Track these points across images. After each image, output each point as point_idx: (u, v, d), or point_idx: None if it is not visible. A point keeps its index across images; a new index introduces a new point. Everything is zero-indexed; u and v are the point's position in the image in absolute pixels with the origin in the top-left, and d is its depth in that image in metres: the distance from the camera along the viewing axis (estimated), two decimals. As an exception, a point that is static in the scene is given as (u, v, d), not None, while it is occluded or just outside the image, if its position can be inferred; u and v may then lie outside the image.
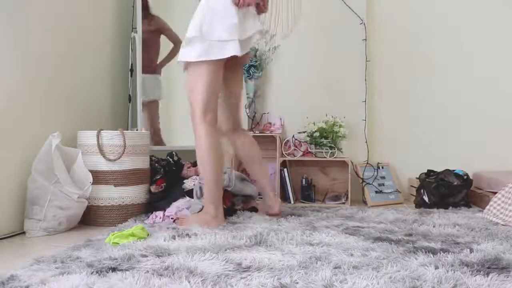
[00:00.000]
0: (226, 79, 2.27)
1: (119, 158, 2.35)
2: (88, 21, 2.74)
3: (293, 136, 3.20)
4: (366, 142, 3.23)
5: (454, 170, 2.86)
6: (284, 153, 3.10)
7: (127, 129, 3.04)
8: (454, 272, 1.35)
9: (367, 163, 3.20)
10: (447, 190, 2.73)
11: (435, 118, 3.27)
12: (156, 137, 3.16)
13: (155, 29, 3.19)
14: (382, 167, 3.20)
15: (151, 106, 3.19)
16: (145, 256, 1.57)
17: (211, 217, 2.14)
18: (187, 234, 1.89)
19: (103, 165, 2.34)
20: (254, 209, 2.50)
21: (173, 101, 3.28)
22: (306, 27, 3.31)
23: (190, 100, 2.18)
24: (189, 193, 2.50)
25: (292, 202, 3.01)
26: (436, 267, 1.41)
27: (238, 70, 2.37)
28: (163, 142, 3.17)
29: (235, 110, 2.42)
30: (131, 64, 3.10)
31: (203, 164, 2.15)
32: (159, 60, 3.24)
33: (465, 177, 2.82)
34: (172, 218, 2.25)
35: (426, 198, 2.76)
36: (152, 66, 3.19)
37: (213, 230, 2.01)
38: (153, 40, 3.20)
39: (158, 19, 3.24)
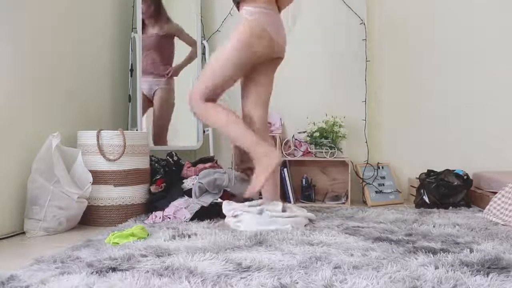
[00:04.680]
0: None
1: (119, 158, 2.35)
2: (88, 21, 2.74)
3: (293, 136, 3.20)
4: (366, 142, 3.23)
5: (454, 170, 2.86)
6: (284, 153, 3.10)
7: (127, 129, 3.04)
8: (454, 272, 1.35)
9: (367, 163, 3.20)
10: (447, 190, 2.73)
11: (435, 118, 3.27)
12: (163, 138, 3.17)
13: (167, 33, 3.18)
14: (382, 167, 3.20)
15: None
16: (145, 256, 1.57)
17: (265, 156, 2.13)
18: (187, 234, 1.89)
19: (103, 165, 2.34)
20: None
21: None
22: (306, 27, 3.31)
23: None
24: (188, 193, 2.50)
25: (292, 202, 3.01)
26: (436, 267, 1.40)
27: None
28: (164, 142, 3.17)
29: None
30: (131, 64, 3.10)
31: (223, 131, 2.22)
32: (174, 63, 3.22)
33: (465, 177, 2.82)
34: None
35: (426, 198, 2.75)
36: (165, 70, 3.18)
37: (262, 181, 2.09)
38: (166, 44, 3.19)
39: (172, 24, 3.21)
